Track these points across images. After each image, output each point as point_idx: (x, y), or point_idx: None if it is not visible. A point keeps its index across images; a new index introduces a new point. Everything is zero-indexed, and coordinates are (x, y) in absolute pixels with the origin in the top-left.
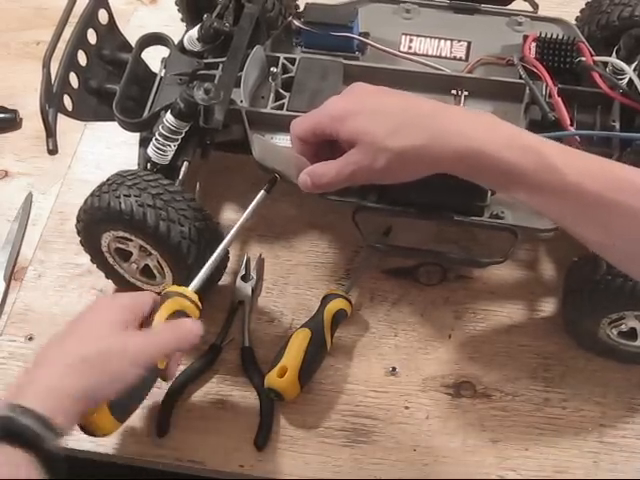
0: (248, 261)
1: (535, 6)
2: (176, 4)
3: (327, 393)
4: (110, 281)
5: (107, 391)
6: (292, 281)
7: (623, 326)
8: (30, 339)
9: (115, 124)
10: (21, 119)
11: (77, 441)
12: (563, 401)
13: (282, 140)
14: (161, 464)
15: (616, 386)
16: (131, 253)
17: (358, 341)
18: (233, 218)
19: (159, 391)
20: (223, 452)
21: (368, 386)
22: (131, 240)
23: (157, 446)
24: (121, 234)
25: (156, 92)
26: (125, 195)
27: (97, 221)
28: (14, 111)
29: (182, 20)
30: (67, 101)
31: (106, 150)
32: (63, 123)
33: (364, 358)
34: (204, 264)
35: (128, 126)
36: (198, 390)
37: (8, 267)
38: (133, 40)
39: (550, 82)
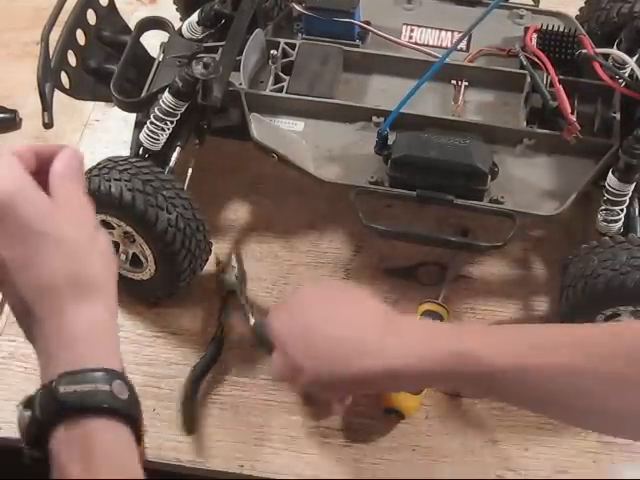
0: (236, 257)
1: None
2: (174, 3)
3: None
4: None
5: None
6: (292, 281)
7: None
8: None
9: (113, 124)
10: (21, 119)
11: None
12: None
13: (281, 123)
14: (161, 464)
15: None
16: (118, 244)
17: None
18: (233, 218)
19: (159, 391)
20: (223, 452)
21: None
22: (113, 227)
23: (157, 446)
24: (102, 217)
25: (154, 73)
26: (115, 179)
27: None
28: (14, 111)
29: (181, 20)
30: (65, 79)
31: (106, 150)
32: (63, 123)
33: None
34: (188, 253)
35: (125, 105)
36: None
37: None
38: None
39: (552, 70)
